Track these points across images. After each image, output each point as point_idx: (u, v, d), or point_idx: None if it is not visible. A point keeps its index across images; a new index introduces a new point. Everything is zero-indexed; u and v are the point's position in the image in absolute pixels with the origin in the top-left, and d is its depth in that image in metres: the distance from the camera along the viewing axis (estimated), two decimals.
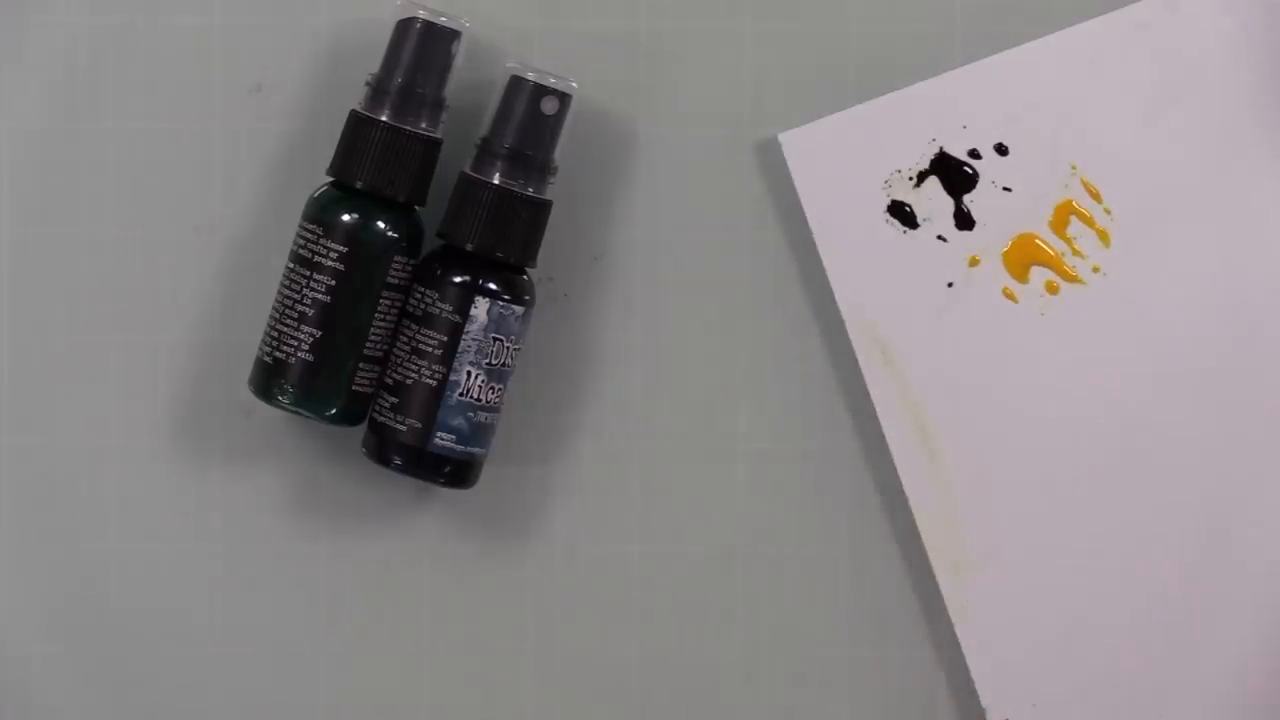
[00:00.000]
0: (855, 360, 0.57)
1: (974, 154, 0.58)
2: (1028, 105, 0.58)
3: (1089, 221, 0.58)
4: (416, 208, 0.53)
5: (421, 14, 0.52)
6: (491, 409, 0.51)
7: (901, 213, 0.58)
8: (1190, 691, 0.57)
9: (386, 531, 0.58)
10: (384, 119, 0.52)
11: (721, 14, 0.58)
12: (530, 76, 0.51)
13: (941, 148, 0.58)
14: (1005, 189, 0.58)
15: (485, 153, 0.52)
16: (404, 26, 0.52)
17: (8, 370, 0.58)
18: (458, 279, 0.50)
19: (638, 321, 0.58)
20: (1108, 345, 0.58)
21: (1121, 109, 0.58)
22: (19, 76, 0.58)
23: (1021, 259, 0.58)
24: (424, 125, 0.52)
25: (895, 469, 0.57)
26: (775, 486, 0.58)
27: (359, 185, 0.52)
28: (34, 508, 0.58)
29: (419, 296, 0.51)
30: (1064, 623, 0.58)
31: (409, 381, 0.51)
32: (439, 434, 0.50)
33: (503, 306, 0.50)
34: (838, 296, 0.57)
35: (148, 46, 0.58)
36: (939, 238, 0.58)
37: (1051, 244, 0.58)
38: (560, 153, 0.54)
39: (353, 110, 0.53)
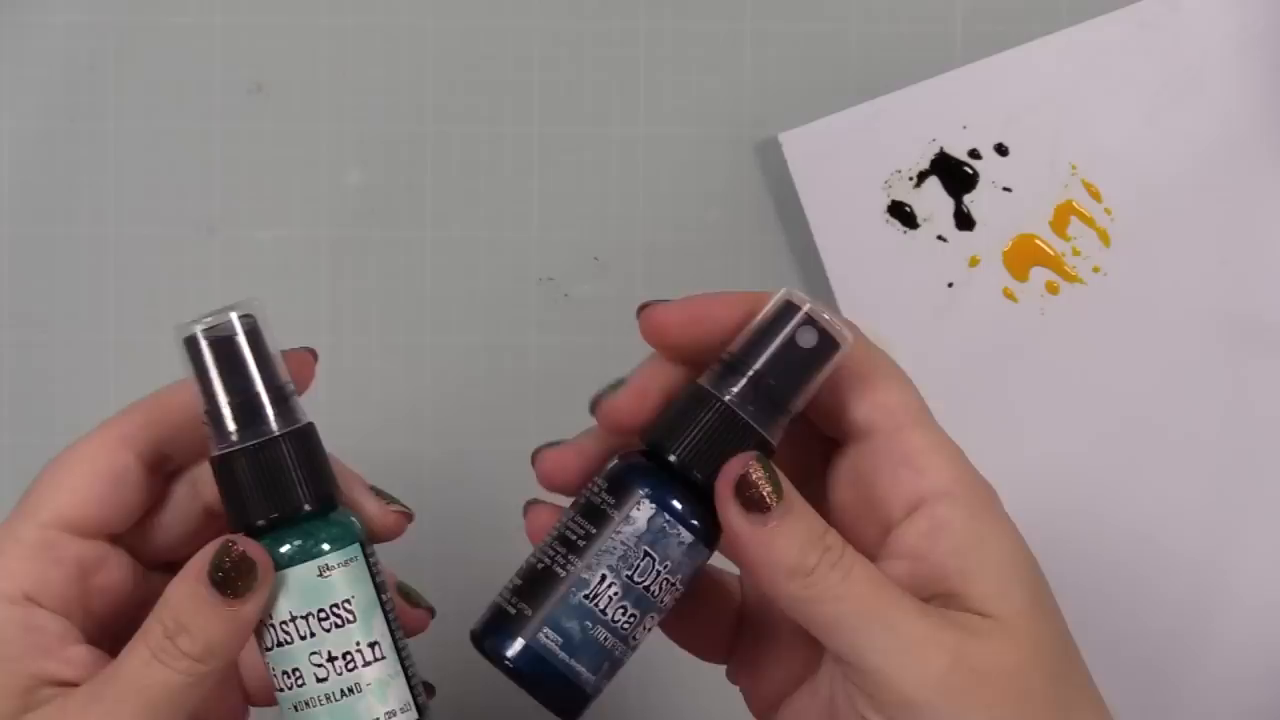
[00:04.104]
0: None
1: (974, 154, 0.58)
2: (1028, 105, 0.58)
3: (1089, 221, 0.58)
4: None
5: (200, 327, 0.43)
6: (617, 633, 0.43)
7: (901, 213, 0.58)
8: (1191, 691, 0.57)
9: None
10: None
11: (721, 14, 0.58)
12: (805, 307, 0.41)
13: (941, 148, 0.58)
14: (1005, 189, 0.58)
15: (727, 369, 0.43)
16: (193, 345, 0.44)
17: (8, 370, 0.58)
18: (632, 474, 0.43)
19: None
20: (1107, 345, 0.57)
21: (1121, 109, 0.58)
22: (19, 76, 0.58)
23: (1022, 259, 0.58)
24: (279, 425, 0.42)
25: None
26: None
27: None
28: None
29: (591, 484, 0.44)
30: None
31: (540, 566, 0.43)
32: (545, 629, 0.43)
33: (667, 522, 0.42)
34: (838, 296, 0.57)
35: (148, 46, 0.58)
36: (939, 238, 0.58)
37: (1052, 244, 0.58)
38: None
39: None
